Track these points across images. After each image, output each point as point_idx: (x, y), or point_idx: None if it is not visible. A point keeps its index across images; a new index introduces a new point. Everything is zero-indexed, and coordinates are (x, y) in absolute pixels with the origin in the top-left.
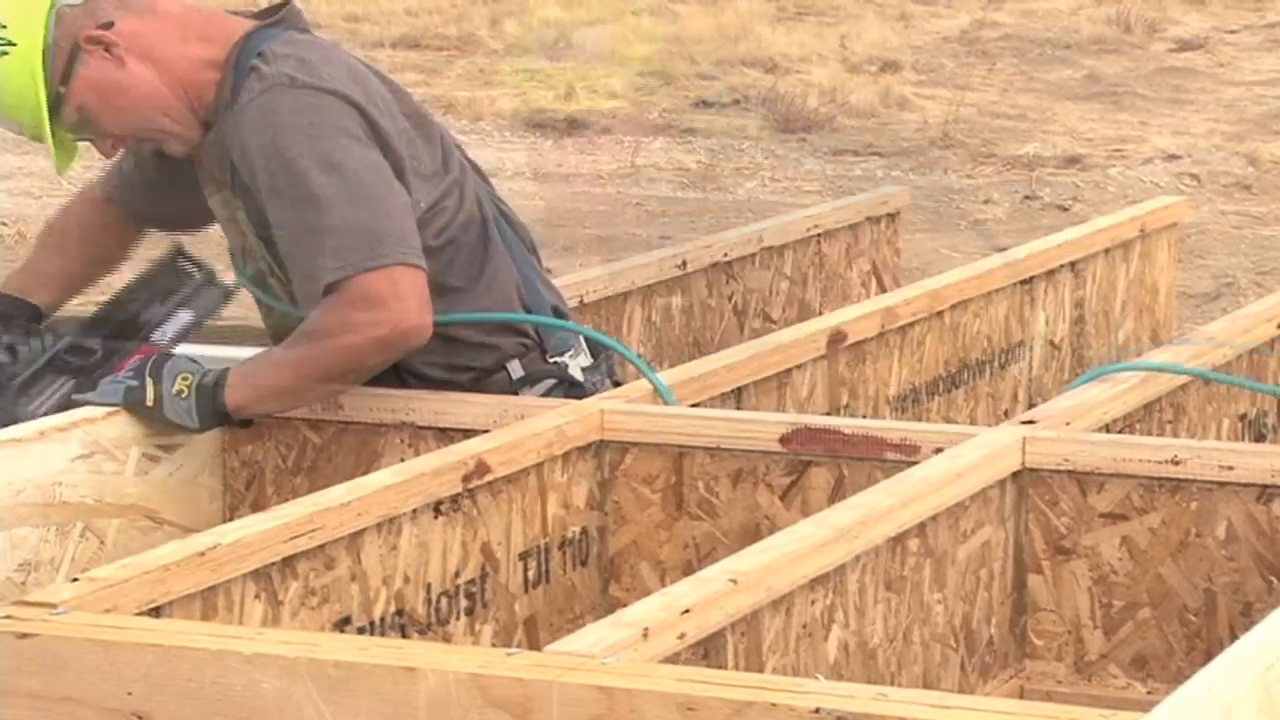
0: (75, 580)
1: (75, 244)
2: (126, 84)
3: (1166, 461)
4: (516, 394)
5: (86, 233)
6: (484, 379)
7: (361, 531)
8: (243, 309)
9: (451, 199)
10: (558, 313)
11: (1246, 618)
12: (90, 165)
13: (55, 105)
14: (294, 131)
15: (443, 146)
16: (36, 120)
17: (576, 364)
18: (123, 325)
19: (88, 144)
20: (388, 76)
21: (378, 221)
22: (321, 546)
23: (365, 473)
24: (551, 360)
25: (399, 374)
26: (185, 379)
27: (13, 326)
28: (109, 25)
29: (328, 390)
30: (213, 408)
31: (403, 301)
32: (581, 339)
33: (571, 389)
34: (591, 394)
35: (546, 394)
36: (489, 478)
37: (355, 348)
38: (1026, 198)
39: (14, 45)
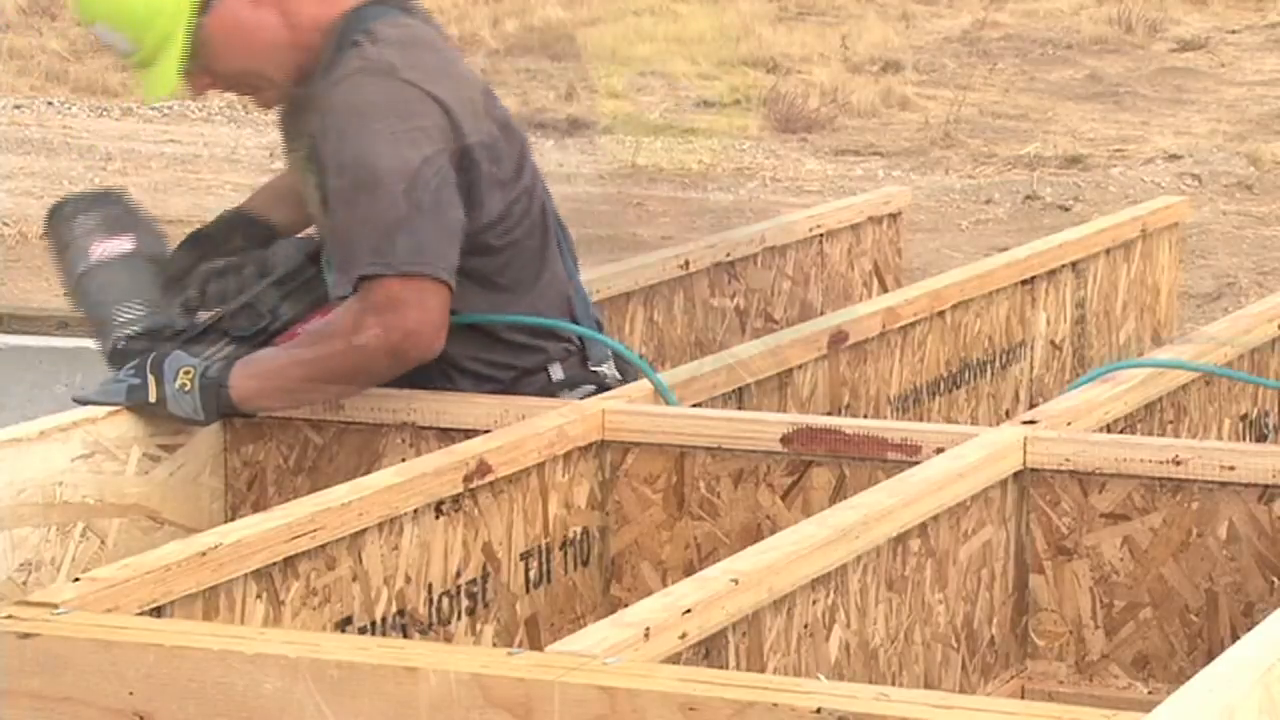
0: (76, 580)
1: None
2: (251, 26)
3: (1168, 461)
4: (555, 395)
5: None
6: (524, 379)
7: (363, 531)
8: None
9: (521, 204)
10: (596, 323)
11: (1248, 618)
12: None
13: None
14: (374, 120)
15: (521, 152)
16: (161, 44)
17: (614, 374)
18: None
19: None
20: (481, 78)
21: (425, 230)
22: (323, 546)
23: (367, 473)
24: (592, 368)
25: (441, 367)
26: (187, 373)
27: (236, 247)
28: None
29: (335, 390)
30: (217, 400)
31: (424, 314)
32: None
33: None
34: None
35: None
36: (490, 478)
37: (363, 350)
38: (1028, 198)
39: None
